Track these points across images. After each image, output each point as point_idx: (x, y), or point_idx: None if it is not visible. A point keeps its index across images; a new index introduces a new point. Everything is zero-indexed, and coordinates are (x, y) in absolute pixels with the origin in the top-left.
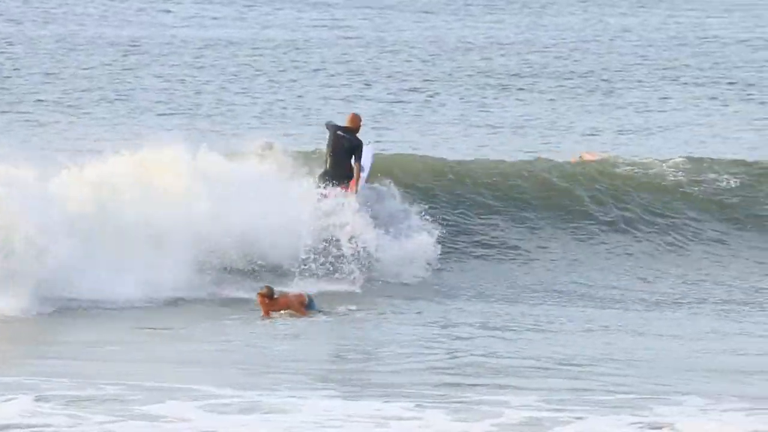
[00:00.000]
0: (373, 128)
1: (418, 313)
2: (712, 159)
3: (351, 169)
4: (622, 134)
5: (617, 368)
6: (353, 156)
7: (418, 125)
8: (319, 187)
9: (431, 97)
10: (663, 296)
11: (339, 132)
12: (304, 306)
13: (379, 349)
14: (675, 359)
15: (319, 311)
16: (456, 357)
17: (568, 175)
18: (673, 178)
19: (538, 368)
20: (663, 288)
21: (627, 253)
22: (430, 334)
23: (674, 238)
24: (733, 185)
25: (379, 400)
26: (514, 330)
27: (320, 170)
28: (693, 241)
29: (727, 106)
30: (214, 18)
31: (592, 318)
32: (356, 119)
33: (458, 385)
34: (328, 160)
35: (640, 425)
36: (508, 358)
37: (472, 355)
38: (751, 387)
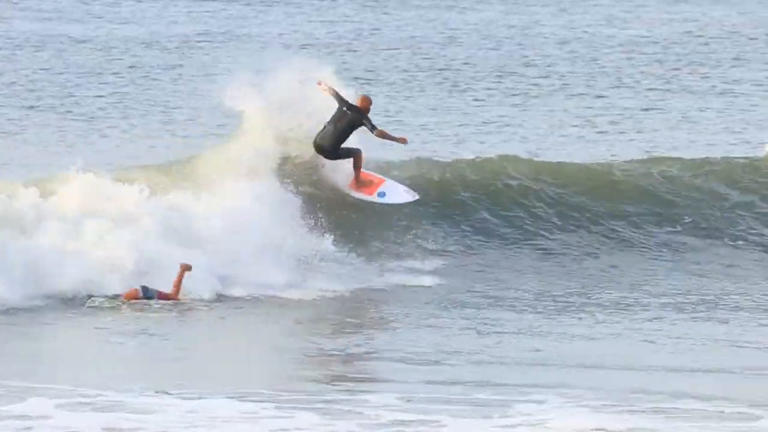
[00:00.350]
0: (219, 125)
1: (277, 310)
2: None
3: (340, 146)
4: (463, 128)
5: (475, 366)
6: (355, 129)
7: None
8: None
9: None
10: (513, 295)
11: (344, 108)
12: (137, 298)
13: (231, 347)
14: (532, 357)
15: (150, 298)
16: (311, 356)
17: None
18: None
19: (395, 369)
20: (515, 286)
21: (474, 250)
22: (286, 332)
23: (527, 236)
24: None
25: (238, 400)
26: (368, 327)
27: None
28: (548, 241)
29: (566, 101)
30: (55, 10)
31: (442, 315)
32: (366, 101)
33: (316, 383)
34: (326, 127)
35: (509, 426)
36: (364, 356)
37: (327, 354)
38: (608, 383)
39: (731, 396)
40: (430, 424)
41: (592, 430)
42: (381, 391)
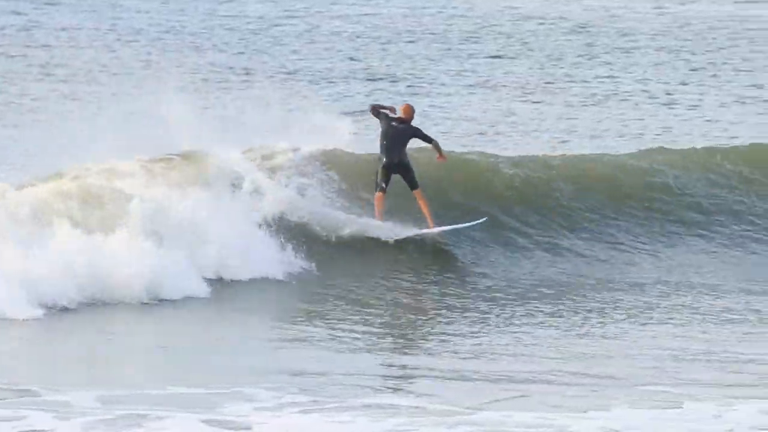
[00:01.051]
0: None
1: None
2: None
3: (406, 156)
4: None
5: (178, 363)
6: (408, 140)
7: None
8: (381, 185)
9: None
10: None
11: (393, 123)
12: None
13: None
14: (245, 359)
15: None
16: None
17: None
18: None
19: (96, 369)
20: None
21: None
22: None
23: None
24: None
25: None
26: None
27: (380, 162)
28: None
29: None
30: None
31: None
32: (409, 109)
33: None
34: (383, 146)
35: (212, 422)
36: (68, 359)
37: (42, 357)
38: (320, 381)
39: (442, 395)
40: (141, 419)
41: (298, 427)
42: (81, 391)
